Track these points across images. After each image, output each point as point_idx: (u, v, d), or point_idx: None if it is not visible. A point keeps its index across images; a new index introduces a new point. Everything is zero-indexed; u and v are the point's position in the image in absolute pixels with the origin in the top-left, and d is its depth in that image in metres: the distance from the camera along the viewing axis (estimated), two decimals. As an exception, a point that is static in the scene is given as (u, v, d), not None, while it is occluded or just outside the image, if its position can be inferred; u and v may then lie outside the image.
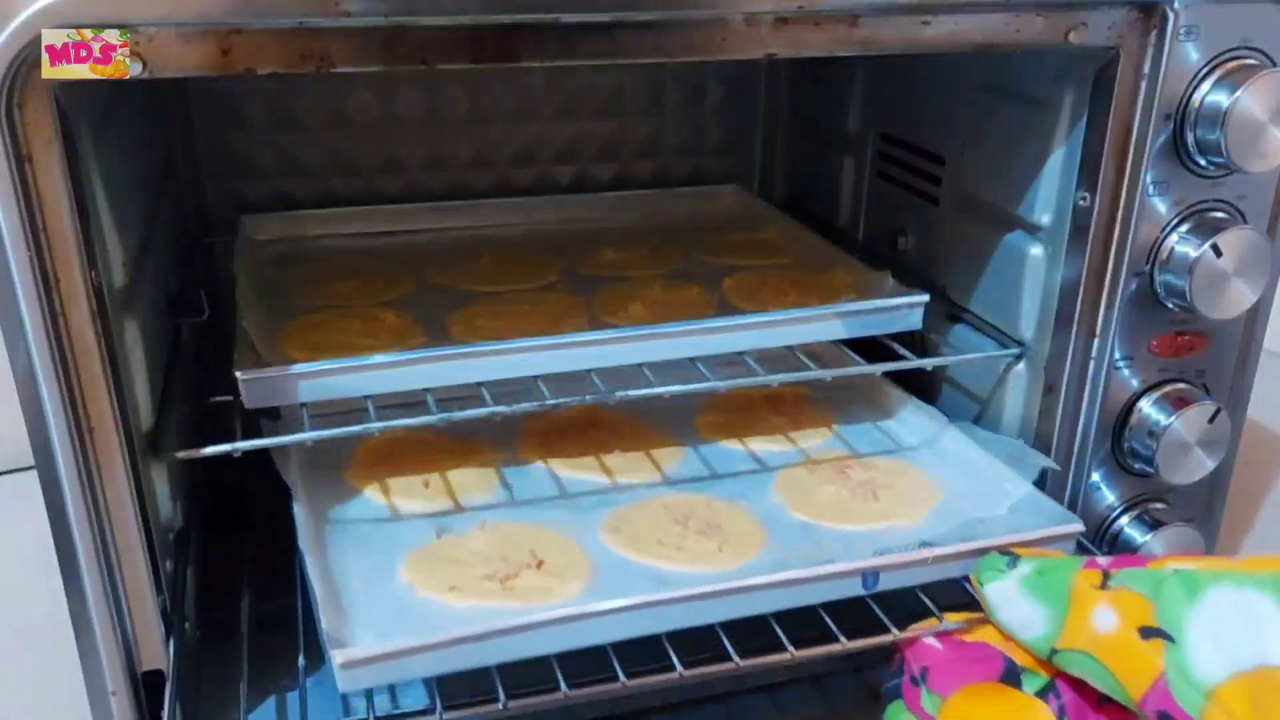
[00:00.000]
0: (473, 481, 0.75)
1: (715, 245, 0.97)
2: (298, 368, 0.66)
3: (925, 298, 0.77)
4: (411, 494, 0.74)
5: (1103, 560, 0.57)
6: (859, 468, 0.78)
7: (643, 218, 1.05)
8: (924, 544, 0.66)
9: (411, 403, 0.69)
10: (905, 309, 0.77)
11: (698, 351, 0.73)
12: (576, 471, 0.77)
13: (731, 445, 0.81)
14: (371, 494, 0.74)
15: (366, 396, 0.68)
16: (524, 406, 0.68)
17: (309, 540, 0.65)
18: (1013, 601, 0.58)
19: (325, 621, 0.58)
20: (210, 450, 0.63)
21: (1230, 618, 0.48)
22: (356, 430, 0.66)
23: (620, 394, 0.70)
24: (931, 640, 0.62)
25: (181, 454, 0.62)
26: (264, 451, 0.67)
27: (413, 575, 0.65)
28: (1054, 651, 0.56)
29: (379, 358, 0.68)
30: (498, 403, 0.68)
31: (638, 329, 0.73)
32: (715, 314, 0.82)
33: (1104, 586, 0.54)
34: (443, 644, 0.57)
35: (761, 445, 0.81)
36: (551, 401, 0.68)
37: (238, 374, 0.64)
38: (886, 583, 0.64)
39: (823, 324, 0.76)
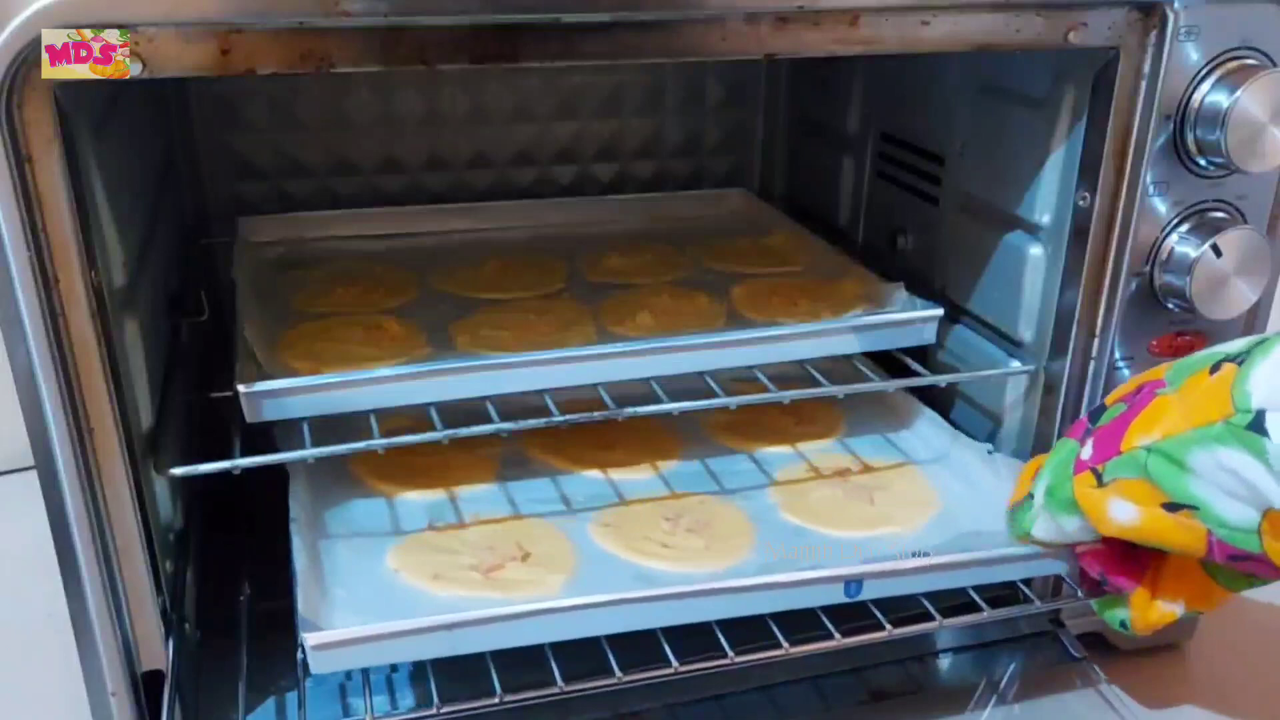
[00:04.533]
0: (471, 472, 0.75)
1: (722, 251, 0.96)
2: (298, 381, 0.65)
3: (939, 311, 0.76)
4: (409, 481, 0.73)
5: (1085, 454, 0.59)
6: (859, 472, 0.77)
7: (648, 221, 1.04)
8: (915, 554, 0.66)
9: (415, 411, 0.69)
10: (919, 323, 0.76)
11: (708, 366, 0.72)
12: (575, 466, 0.77)
13: (734, 445, 0.81)
14: (369, 479, 0.74)
15: (369, 411, 0.67)
16: (529, 423, 0.67)
17: (302, 521, 0.65)
18: (1049, 527, 0.62)
19: (301, 602, 0.58)
20: (208, 468, 0.62)
21: (1221, 477, 0.52)
22: (360, 447, 0.65)
23: (630, 411, 0.68)
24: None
25: (179, 471, 0.61)
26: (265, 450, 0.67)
27: (400, 561, 0.65)
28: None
29: (382, 371, 0.67)
30: (501, 411, 0.67)
31: (647, 342, 0.72)
32: (724, 324, 0.81)
33: (1101, 485, 0.57)
34: (413, 630, 0.57)
35: (764, 446, 0.81)
36: (559, 419, 0.67)
37: (239, 387, 0.63)
38: (871, 591, 0.63)
39: (836, 338, 0.75)
